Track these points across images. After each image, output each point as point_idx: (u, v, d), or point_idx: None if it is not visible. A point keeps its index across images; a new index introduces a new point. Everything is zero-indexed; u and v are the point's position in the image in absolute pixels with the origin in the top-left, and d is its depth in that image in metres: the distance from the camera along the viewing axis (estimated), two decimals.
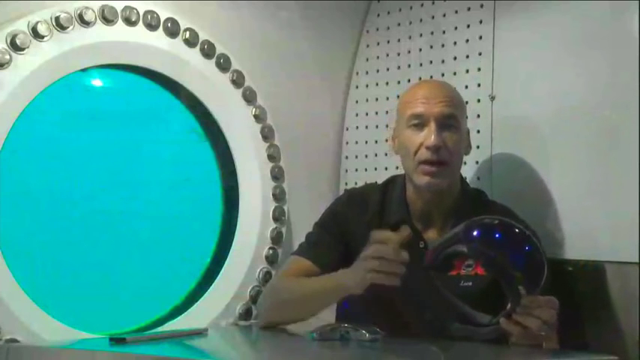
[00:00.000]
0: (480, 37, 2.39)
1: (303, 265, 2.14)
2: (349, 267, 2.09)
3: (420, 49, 2.54)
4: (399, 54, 2.61)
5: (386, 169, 2.43)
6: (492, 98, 2.36)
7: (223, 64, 2.42)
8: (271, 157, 2.50)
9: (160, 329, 2.28)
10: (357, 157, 2.68)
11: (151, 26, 2.30)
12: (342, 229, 2.18)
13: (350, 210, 2.20)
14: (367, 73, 2.69)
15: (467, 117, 2.19)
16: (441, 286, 1.90)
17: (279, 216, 2.49)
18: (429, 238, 2.10)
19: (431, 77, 2.48)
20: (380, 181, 2.26)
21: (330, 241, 2.17)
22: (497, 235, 1.84)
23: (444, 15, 2.49)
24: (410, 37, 2.58)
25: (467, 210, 2.08)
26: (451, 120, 2.08)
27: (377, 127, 2.62)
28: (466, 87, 2.41)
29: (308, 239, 2.22)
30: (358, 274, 1.90)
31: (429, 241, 2.09)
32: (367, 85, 2.68)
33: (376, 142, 2.62)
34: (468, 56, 2.42)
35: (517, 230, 1.84)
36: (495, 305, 1.85)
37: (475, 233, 1.84)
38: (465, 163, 2.36)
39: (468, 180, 2.35)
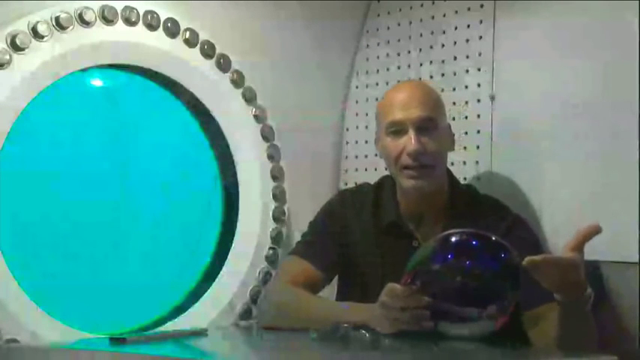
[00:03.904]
0: (480, 37, 2.39)
1: (303, 267, 2.16)
2: (350, 278, 2.18)
3: (420, 49, 2.54)
4: (399, 54, 2.61)
5: (386, 169, 2.42)
6: (492, 98, 2.36)
7: (223, 64, 2.42)
8: (271, 157, 2.49)
9: (159, 329, 2.28)
10: (357, 157, 2.68)
11: (151, 26, 2.30)
12: (338, 229, 2.20)
13: (344, 210, 2.22)
14: (367, 73, 2.69)
15: (464, 117, 2.20)
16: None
17: (279, 216, 2.49)
18: (421, 236, 2.12)
19: (431, 77, 2.48)
20: None
21: (327, 242, 2.19)
22: (469, 249, 1.87)
23: (444, 15, 2.49)
24: (410, 37, 2.58)
25: (458, 206, 2.13)
26: (429, 122, 2.09)
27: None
28: (466, 87, 2.42)
29: (304, 239, 2.24)
30: (382, 321, 1.88)
31: (421, 239, 2.11)
32: (367, 85, 2.68)
33: (375, 143, 2.62)
34: (468, 56, 2.42)
35: (488, 240, 1.86)
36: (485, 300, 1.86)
37: (447, 252, 1.87)
38: (465, 163, 2.37)
39: (467, 180, 2.35)
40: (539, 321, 1.93)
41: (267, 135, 2.49)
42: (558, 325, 1.84)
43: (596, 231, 1.76)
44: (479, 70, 2.39)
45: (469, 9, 2.42)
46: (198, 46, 2.38)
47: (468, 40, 2.42)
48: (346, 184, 2.68)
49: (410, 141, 2.07)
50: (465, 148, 2.37)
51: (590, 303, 1.82)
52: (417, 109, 2.08)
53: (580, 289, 1.80)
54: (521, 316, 1.96)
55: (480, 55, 2.39)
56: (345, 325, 1.88)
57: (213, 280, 2.41)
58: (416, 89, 2.17)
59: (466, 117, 2.40)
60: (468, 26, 2.42)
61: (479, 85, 2.39)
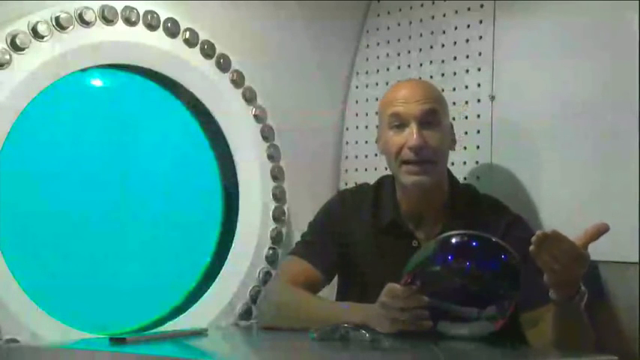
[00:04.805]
0: (480, 37, 2.39)
1: (302, 268, 2.16)
2: (349, 279, 2.18)
3: (420, 49, 2.55)
4: (399, 54, 2.61)
5: (385, 169, 2.42)
6: (492, 98, 2.36)
7: (223, 64, 2.42)
8: (271, 157, 2.49)
9: (160, 329, 2.28)
10: (357, 157, 2.68)
11: (151, 26, 2.30)
12: (337, 230, 2.20)
13: (344, 210, 2.22)
14: (367, 73, 2.69)
15: (464, 117, 2.19)
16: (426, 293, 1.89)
17: (279, 216, 2.49)
18: (421, 236, 2.12)
19: (430, 77, 2.48)
20: None
21: (326, 242, 2.19)
22: (469, 251, 1.87)
23: (444, 15, 2.49)
24: (410, 37, 2.58)
25: (458, 206, 2.12)
26: (431, 117, 2.09)
27: (377, 127, 2.62)
28: (466, 87, 2.42)
29: (304, 239, 2.24)
30: (381, 321, 1.89)
31: (421, 239, 2.11)
32: (367, 85, 2.68)
33: (376, 141, 2.61)
34: (468, 56, 2.42)
35: (488, 241, 1.87)
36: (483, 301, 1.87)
37: (447, 253, 1.88)
38: (465, 163, 2.37)
39: (467, 180, 2.35)
40: (536, 323, 1.93)
41: (267, 135, 2.49)
42: (554, 326, 1.84)
43: (604, 229, 1.76)
44: (479, 70, 2.39)
45: (469, 9, 2.42)
46: (198, 46, 2.38)
47: (467, 40, 2.42)
48: (346, 184, 2.68)
49: (412, 135, 2.07)
50: (465, 148, 2.37)
51: (584, 301, 1.82)
52: (419, 103, 2.09)
53: (575, 287, 1.80)
54: (519, 317, 1.96)
55: (480, 55, 2.39)
56: (345, 325, 1.88)
57: (213, 280, 2.41)
58: (418, 85, 2.18)
59: (466, 117, 2.40)
60: (468, 26, 2.42)
61: (479, 85, 2.39)
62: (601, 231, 1.76)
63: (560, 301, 1.80)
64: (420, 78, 2.50)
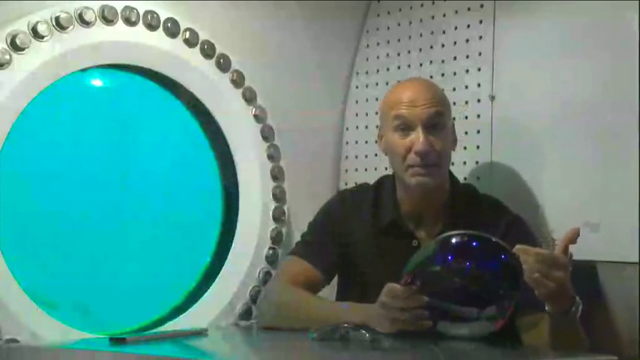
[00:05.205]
0: (480, 37, 2.39)
1: (302, 268, 2.16)
2: (349, 279, 2.17)
3: (420, 49, 2.55)
4: (399, 54, 2.61)
5: (386, 169, 2.43)
6: (492, 98, 2.36)
7: (223, 64, 2.42)
8: (271, 157, 2.49)
9: (160, 329, 2.28)
10: (357, 157, 2.68)
11: (151, 26, 2.30)
12: (337, 230, 2.20)
13: (344, 211, 2.22)
14: (367, 73, 2.69)
15: (464, 117, 2.19)
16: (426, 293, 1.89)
17: (279, 216, 2.49)
18: (421, 236, 2.12)
19: (430, 77, 2.48)
20: None
21: (326, 242, 2.19)
22: (469, 251, 1.87)
23: (444, 15, 2.49)
24: (410, 37, 2.58)
25: (458, 206, 2.12)
26: (437, 119, 2.08)
27: (377, 127, 2.61)
28: (466, 87, 2.42)
29: (304, 239, 2.24)
30: (381, 321, 1.89)
31: (421, 239, 2.11)
32: (367, 85, 2.68)
33: (376, 142, 2.61)
34: (468, 56, 2.42)
35: (488, 241, 1.87)
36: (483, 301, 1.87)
37: (447, 253, 1.87)
38: (465, 163, 2.37)
39: (467, 180, 2.35)
40: (535, 325, 1.93)
41: (267, 135, 2.49)
42: (549, 335, 1.84)
43: (577, 234, 1.76)
44: (479, 70, 2.39)
45: (469, 9, 2.42)
46: (198, 46, 2.38)
47: (467, 40, 2.42)
48: (346, 184, 2.68)
49: (418, 140, 2.06)
50: (465, 148, 2.37)
51: (579, 313, 1.82)
52: (425, 107, 2.08)
53: (568, 299, 1.80)
54: (516, 321, 1.96)
55: (480, 55, 2.39)
56: (345, 325, 1.88)
57: (213, 280, 2.41)
58: (423, 87, 2.15)
59: (466, 117, 2.40)
60: (468, 26, 2.42)
61: (479, 85, 2.39)
62: (576, 234, 1.77)
63: (556, 314, 1.81)
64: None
